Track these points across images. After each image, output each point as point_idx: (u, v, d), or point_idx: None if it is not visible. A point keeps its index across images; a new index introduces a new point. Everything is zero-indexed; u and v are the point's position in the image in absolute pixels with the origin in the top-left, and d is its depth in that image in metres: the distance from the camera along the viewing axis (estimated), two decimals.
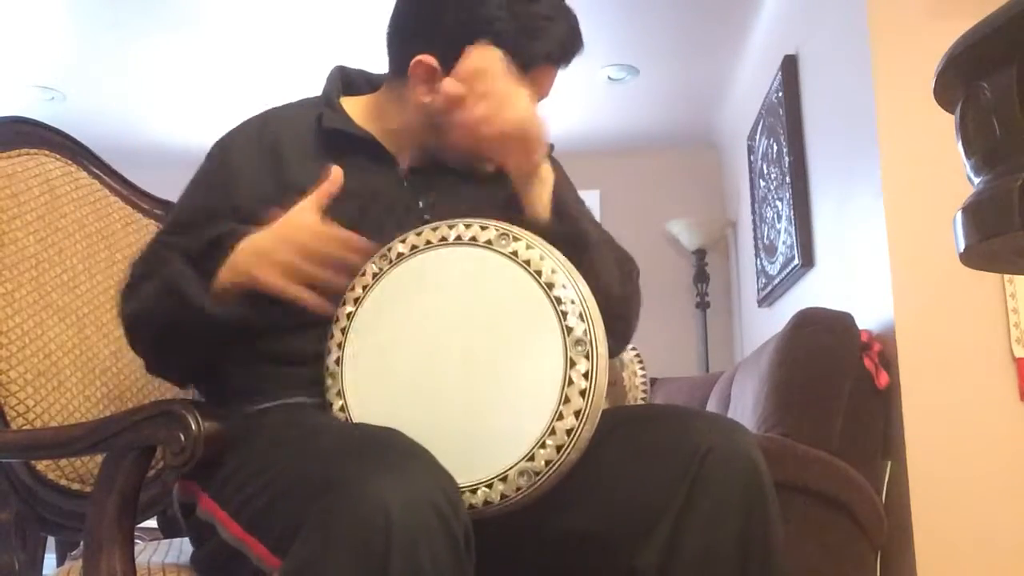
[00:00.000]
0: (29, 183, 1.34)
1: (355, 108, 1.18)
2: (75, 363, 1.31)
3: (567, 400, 0.89)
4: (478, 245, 0.96)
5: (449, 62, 1.08)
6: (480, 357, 0.94)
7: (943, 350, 2.03)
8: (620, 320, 1.13)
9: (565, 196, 1.11)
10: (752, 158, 3.64)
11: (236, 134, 1.17)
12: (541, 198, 1.07)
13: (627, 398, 1.65)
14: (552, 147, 1.28)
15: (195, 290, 1.03)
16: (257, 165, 1.12)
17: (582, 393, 0.89)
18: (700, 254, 4.32)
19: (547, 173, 1.09)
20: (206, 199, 1.14)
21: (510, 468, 0.90)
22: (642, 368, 1.72)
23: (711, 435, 0.96)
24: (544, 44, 1.09)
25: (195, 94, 3.99)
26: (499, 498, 0.90)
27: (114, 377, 1.37)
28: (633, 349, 1.69)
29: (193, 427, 0.97)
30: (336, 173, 1.03)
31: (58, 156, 1.42)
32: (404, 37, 1.14)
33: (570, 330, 0.91)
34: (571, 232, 1.06)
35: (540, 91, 1.13)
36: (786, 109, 3.01)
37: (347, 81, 1.23)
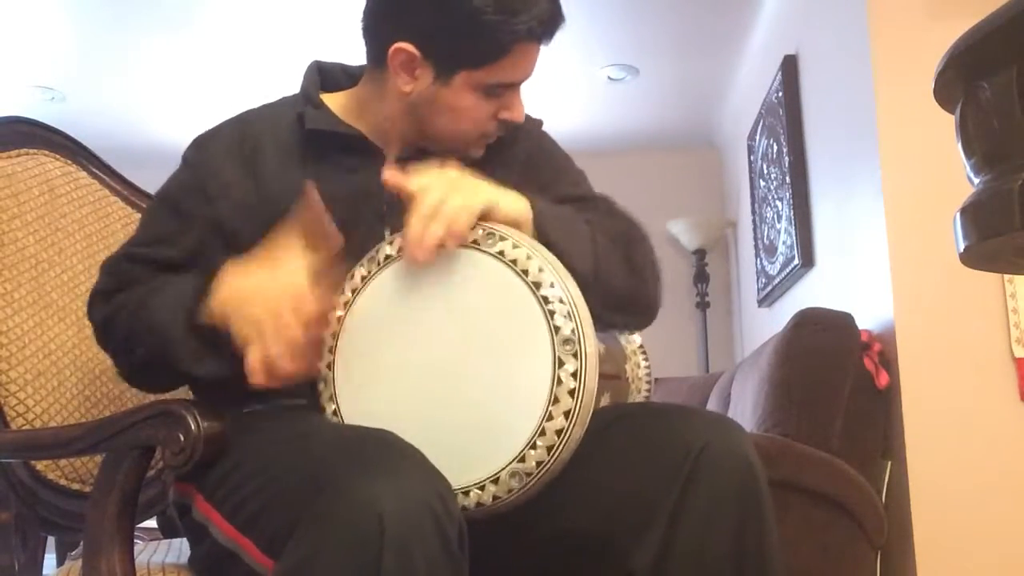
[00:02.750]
0: (29, 183, 1.33)
1: (336, 104, 1.16)
2: (75, 363, 1.31)
3: (556, 400, 0.89)
4: (465, 245, 0.96)
5: (428, 48, 1.07)
6: (469, 359, 0.94)
7: (943, 350, 2.02)
8: (636, 306, 1.12)
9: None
10: (752, 158, 3.64)
11: (213, 138, 1.14)
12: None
13: (630, 391, 1.64)
14: (541, 122, 1.25)
15: (178, 342, 1.03)
16: (237, 172, 1.10)
17: (571, 393, 0.89)
18: (700, 254, 4.32)
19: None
20: (182, 206, 1.12)
21: (501, 470, 0.90)
22: (646, 361, 1.71)
23: (705, 432, 0.96)
24: (524, 20, 1.05)
25: (195, 94, 3.99)
26: (491, 500, 0.90)
27: (114, 377, 1.36)
28: (637, 342, 1.68)
29: (193, 427, 0.97)
30: (314, 200, 1.00)
31: (58, 156, 1.42)
32: (381, 25, 1.11)
33: (558, 329, 0.90)
34: None
35: (523, 70, 1.11)
36: (786, 109, 3.00)
37: (325, 76, 1.20)
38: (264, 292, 0.98)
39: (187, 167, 1.14)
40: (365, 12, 1.13)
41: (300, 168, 1.11)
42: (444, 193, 0.95)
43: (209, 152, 1.13)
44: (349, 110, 1.15)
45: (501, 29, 1.05)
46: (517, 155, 1.19)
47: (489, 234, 0.95)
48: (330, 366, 1.01)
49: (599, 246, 1.05)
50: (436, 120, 1.10)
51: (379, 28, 1.11)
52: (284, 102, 1.18)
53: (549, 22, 1.09)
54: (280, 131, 1.13)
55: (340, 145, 1.12)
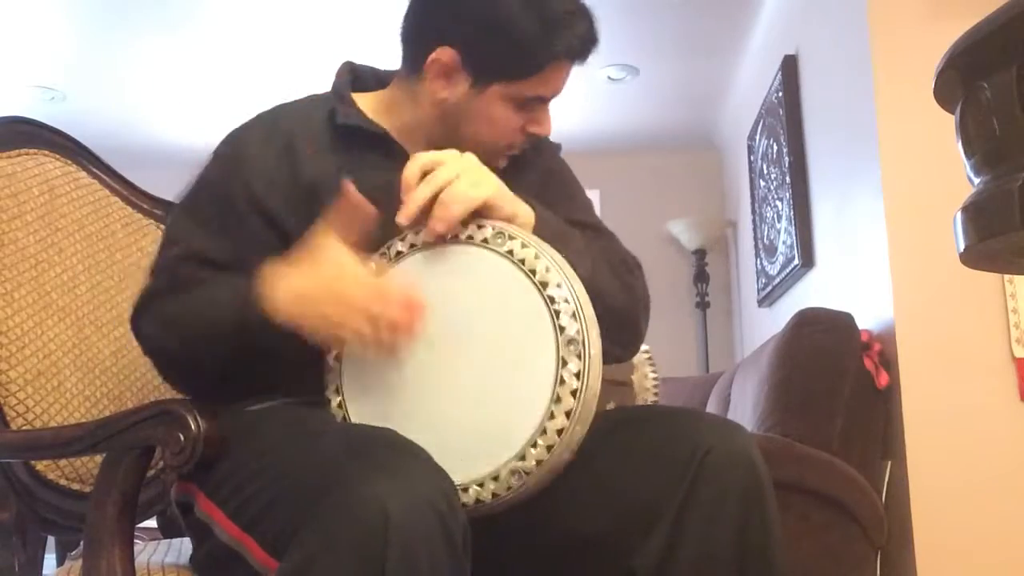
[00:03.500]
0: (29, 183, 1.34)
1: (366, 104, 1.17)
2: (75, 363, 1.31)
3: (558, 400, 0.89)
4: (474, 244, 0.97)
5: (468, 56, 1.08)
6: (474, 355, 0.94)
7: (943, 350, 2.02)
8: (624, 329, 1.12)
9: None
10: (752, 158, 3.64)
11: (247, 128, 1.16)
12: None
13: (637, 399, 1.65)
14: (559, 147, 1.28)
15: (231, 314, 1.01)
16: (271, 158, 1.11)
17: (573, 393, 0.89)
18: (700, 254, 4.32)
19: None
20: (220, 188, 1.12)
21: (502, 467, 0.90)
22: (653, 370, 1.72)
23: (710, 436, 0.96)
24: (563, 39, 1.08)
25: (195, 94, 3.99)
26: (491, 497, 0.90)
27: (114, 377, 1.37)
28: (646, 351, 1.68)
29: (192, 427, 0.97)
30: (353, 195, 1.00)
31: (58, 156, 1.42)
32: (425, 31, 1.13)
33: (563, 329, 0.90)
34: None
35: (556, 86, 1.13)
36: (786, 109, 3.01)
37: (356, 76, 1.22)
38: (329, 288, 0.96)
39: (217, 159, 1.15)
40: (406, 18, 1.15)
41: (331, 158, 1.12)
42: (454, 173, 0.98)
43: (241, 142, 1.15)
44: (377, 110, 1.17)
45: (541, 46, 1.08)
46: (534, 173, 1.20)
47: (498, 233, 0.96)
48: (337, 357, 1.02)
49: (596, 264, 1.06)
50: (466, 128, 1.12)
51: (422, 34, 1.13)
52: (315, 98, 1.20)
53: (588, 43, 1.11)
54: (312, 124, 1.15)
55: (367, 142, 1.13)
